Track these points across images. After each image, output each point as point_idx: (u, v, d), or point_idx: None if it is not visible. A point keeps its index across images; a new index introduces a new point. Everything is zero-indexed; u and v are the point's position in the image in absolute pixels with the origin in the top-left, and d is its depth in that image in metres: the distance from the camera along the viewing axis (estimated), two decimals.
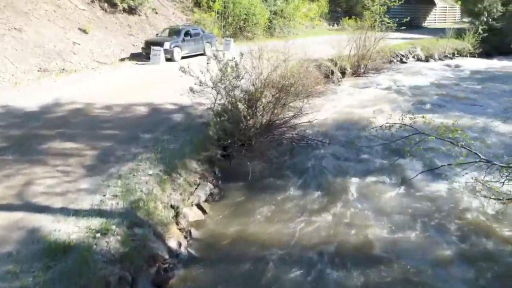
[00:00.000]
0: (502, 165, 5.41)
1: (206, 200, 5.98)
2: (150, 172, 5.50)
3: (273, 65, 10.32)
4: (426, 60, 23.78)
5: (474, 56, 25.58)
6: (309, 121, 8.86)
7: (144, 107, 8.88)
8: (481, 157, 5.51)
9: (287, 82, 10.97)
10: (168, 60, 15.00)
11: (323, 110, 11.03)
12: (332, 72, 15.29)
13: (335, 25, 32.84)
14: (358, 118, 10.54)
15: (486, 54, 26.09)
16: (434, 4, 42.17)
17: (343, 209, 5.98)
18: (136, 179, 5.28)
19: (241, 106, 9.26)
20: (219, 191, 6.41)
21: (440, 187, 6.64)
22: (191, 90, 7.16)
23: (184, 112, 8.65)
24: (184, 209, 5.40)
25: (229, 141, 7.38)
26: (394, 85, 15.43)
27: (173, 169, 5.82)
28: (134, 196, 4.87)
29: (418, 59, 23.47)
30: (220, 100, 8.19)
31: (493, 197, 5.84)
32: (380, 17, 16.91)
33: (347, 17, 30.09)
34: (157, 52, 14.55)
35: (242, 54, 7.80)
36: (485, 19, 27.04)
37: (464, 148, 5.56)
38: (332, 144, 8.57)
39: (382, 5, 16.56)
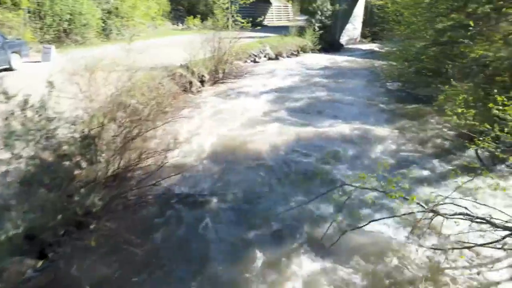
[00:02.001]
0: (447, 216, 4.18)
1: None
2: None
3: (115, 84, 7.52)
4: (276, 58, 23.86)
5: (315, 52, 27.21)
6: (179, 170, 6.29)
7: None
8: (425, 207, 4.18)
9: (136, 105, 8.27)
10: None
11: (193, 136, 8.64)
12: (190, 82, 12.97)
13: (180, 24, 30.74)
14: (239, 145, 8.48)
15: (324, 50, 28.12)
16: (270, 3, 44.19)
17: None
18: None
19: (72, 151, 6.13)
20: None
21: (371, 247, 5.12)
22: None
23: None
24: None
25: (50, 231, 4.30)
26: (259, 92, 14.12)
27: None
28: None
29: (269, 58, 23.31)
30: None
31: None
32: (233, 16, 15.42)
33: (191, 16, 28.34)
34: None
35: (51, 84, 4.70)
36: (319, 18, 29.02)
37: (406, 198, 4.14)
38: (216, 196, 6.21)
39: (234, 3, 15.08)
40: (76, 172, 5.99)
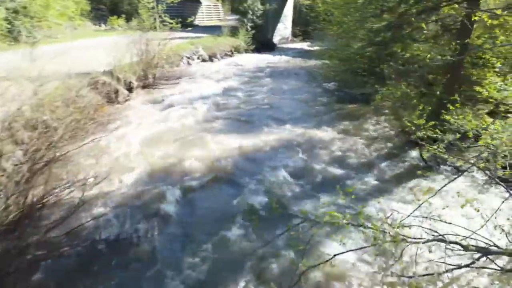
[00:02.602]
0: (420, 242, 3.78)
1: None
2: None
3: (17, 99, 6.33)
4: (211, 60, 22.99)
5: (249, 52, 26.87)
6: (104, 203, 5.20)
7: None
8: (394, 236, 3.73)
9: (48, 123, 7.10)
10: None
11: (119, 157, 7.49)
12: (116, 91, 11.58)
13: (102, 25, 28.45)
14: (175, 163, 7.47)
15: (258, 50, 27.89)
16: (199, 2, 43.04)
17: None
18: None
19: None
20: None
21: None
22: None
23: None
24: None
25: None
26: (194, 97, 13.13)
27: None
28: None
29: (203, 60, 22.35)
30: None
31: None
32: (160, 16, 14.26)
33: (115, 16, 26.24)
34: None
35: None
36: (250, 17, 28.68)
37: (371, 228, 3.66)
38: (151, 237, 5.17)
39: (160, 3, 13.92)
40: None
